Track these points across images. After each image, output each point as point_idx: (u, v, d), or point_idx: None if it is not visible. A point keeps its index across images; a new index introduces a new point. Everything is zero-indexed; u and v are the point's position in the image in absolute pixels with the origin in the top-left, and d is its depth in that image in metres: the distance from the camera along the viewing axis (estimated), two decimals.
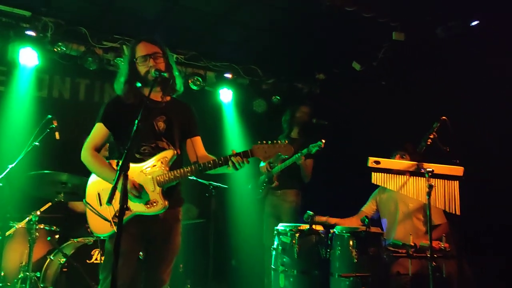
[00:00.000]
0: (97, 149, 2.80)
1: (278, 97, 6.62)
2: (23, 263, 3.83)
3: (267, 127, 6.24)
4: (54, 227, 4.13)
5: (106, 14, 5.30)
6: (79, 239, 3.97)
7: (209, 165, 2.66)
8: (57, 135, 4.08)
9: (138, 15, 5.32)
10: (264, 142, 2.62)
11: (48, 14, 5.22)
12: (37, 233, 3.88)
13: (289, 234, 3.87)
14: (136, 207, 2.66)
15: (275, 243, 3.97)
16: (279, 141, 2.63)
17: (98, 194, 2.78)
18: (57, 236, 4.13)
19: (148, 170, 2.69)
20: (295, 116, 5.23)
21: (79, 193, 4.13)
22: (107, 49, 5.65)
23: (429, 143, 3.36)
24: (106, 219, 2.64)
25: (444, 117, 3.40)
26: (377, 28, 5.03)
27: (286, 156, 2.82)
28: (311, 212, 3.86)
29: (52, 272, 3.82)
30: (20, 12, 5.16)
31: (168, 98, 2.89)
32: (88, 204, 2.77)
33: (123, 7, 5.15)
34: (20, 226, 3.90)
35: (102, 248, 3.83)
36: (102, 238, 2.99)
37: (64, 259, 3.68)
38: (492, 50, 4.41)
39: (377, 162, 3.48)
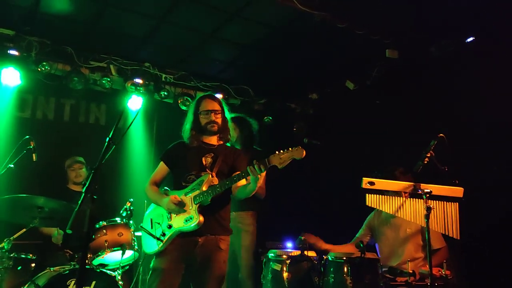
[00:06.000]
0: (156, 183, 3.38)
1: (270, 117, 6.50)
2: None
3: (259, 147, 6.09)
4: (31, 255, 3.88)
5: (93, 33, 5.18)
6: (55, 268, 3.71)
7: (235, 178, 3.02)
8: (34, 156, 3.88)
9: (125, 34, 5.22)
10: (281, 151, 2.88)
11: (33, 33, 5.12)
12: (10, 262, 3.63)
13: (279, 260, 3.65)
14: (176, 223, 3.12)
15: (265, 270, 3.75)
16: (291, 148, 2.86)
17: (151, 219, 3.31)
18: (33, 265, 3.86)
19: (188, 193, 3.16)
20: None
21: (56, 218, 3.90)
22: (93, 69, 5.55)
23: (426, 162, 3.18)
24: (154, 236, 3.15)
25: (441, 135, 3.23)
26: (370, 45, 4.93)
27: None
28: (302, 237, 3.66)
29: None
30: (3, 31, 5.06)
31: (221, 142, 3.40)
32: (143, 227, 3.30)
33: (110, 26, 5.05)
34: None
35: (78, 278, 3.57)
36: (149, 254, 3.29)
37: None
38: (486, 67, 4.30)
39: (372, 183, 3.29)
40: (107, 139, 2.21)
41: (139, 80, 5.65)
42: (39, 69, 5.17)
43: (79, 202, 1.99)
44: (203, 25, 4.99)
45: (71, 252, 4.31)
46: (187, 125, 3.38)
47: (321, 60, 5.55)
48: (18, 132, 5.07)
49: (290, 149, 2.85)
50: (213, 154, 3.29)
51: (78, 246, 4.24)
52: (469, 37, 4.58)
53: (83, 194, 2.01)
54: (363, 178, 3.29)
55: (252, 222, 4.53)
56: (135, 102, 5.46)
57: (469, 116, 4.38)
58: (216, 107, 3.35)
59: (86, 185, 2.01)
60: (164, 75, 5.97)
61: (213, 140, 3.37)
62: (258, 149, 4.73)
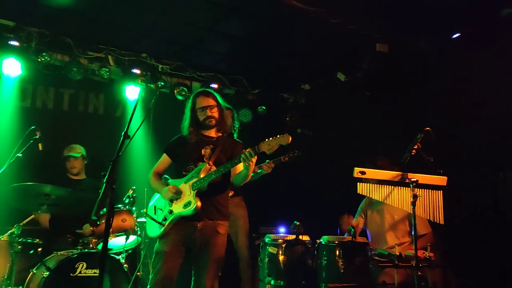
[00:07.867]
0: (159, 173, 3.59)
1: (264, 107, 6.67)
2: (5, 277, 3.74)
3: (253, 137, 6.25)
4: (37, 240, 4.05)
5: (92, 25, 5.27)
6: (62, 252, 3.89)
7: (228, 165, 3.21)
8: (40, 146, 4.02)
9: (124, 25, 5.31)
10: (270, 138, 3.06)
11: (33, 24, 5.19)
12: (19, 246, 3.79)
13: (275, 244, 3.87)
14: (176, 209, 3.32)
15: (262, 254, 3.98)
16: (278, 135, 3.05)
17: (154, 206, 3.53)
18: (39, 249, 4.04)
19: (188, 181, 3.35)
20: None
21: (62, 205, 4.07)
22: (92, 59, 5.63)
23: (413, 153, 3.41)
24: (157, 221, 3.35)
25: (427, 128, 3.45)
26: (361, 39, 5.12)
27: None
28: (297, 222, 3.89)
29: (35, 286, 3.69)
30: (4, 22, 5.12)
31: (220, 134, 3.57)
32: (147, 214, 3.51)
33: (109, 18, 5.13)
34: (2, 239, 3.82)
35: (87, 261, 3.77)
36: (153, 238, 3.48)
37: (47, 273, 3.59)
38: (474, 61, 4.51)
39: (363, 173, 3.52)
40: (122, 133, 2.37)
41: (136, 71, 5.79)
42: (39, 60, 5.24)
43: (101, 192, 2.17)
44: (201, 19, 5.11)
45: (73, 237, 4.50)
46: (186, 122, 3.55)
47: (314, 52, 5.71)
48: (19, 121, 5.19)
49: (278, 136, 3.05)
50: (212, 146, 3.47)
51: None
52: (455, 33, 4.79)
53: (104, 185, 2.19)
54: (355, 168, 3.52)
55: (245, 205, 4.83)
56: (138, 95, 5.65)
57: (455, 109, 4.55)
58: (211, 102, 3.50)
59: (107, 176, 2.20)
60: (160, 66, 6.08)
61: (212, 132, 3.55)
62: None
